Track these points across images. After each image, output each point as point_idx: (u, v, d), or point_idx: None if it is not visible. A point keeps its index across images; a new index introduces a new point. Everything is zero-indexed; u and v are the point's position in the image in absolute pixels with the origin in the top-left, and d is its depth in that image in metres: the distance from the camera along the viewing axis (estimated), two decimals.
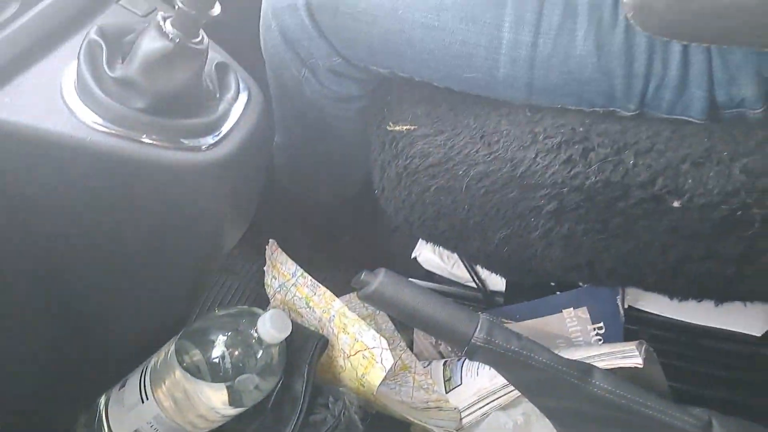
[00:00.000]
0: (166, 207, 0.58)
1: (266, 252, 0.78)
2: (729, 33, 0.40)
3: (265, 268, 0.78)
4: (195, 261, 0.66)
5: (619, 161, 0.57)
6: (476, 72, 0.60)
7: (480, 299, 0.86)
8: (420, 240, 0.90)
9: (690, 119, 0.59)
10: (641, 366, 0.63)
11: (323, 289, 0.71)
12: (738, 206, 0.54)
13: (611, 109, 0.60)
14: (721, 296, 0.64)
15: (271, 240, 0.78)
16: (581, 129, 0.59)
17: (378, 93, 0.71)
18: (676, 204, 0.56)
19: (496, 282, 0.85)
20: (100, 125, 0.51)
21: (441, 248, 0.84)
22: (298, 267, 0.74)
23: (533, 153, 0.60)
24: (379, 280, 0.66)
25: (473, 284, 0.86)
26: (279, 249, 0.76)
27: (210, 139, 0.55)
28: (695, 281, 0.61)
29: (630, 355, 0.65)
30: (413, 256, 0.89)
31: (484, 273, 0.86)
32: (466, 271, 0.86)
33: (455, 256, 0.87)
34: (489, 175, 0.62)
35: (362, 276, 0.67)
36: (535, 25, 0.56)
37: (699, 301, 0.65)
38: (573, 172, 0.58)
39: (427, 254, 0.88)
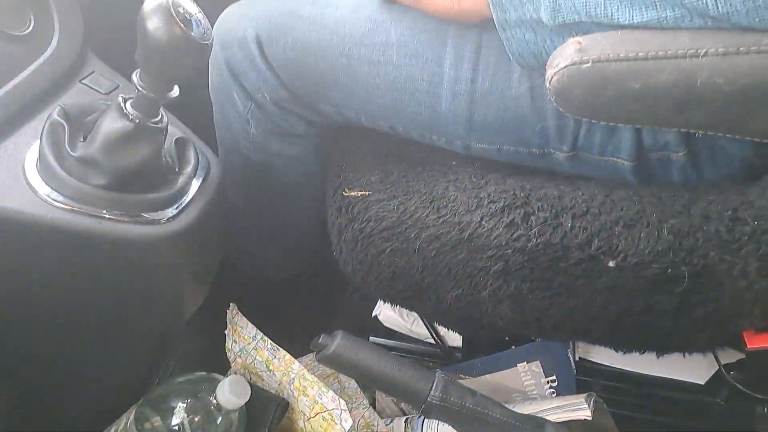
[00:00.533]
0: (126, 278, 0.60)
1: (227, 316, 0.79)
2: (638, 116, 0.44)
3: (225, 333, 0.79)
4: (155, 329, 0.67)
5: (558, 224, 0.61)
6: (420, 106, 0.63)
7: (439, 355, 0.88)
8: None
9: (620, 161, 0.63)
10: (590, 418, 0.65)
11: (283, 352, 0.73)
12: (668, 264, 0.58)
13: (548, 150, 0.64)
14: (660, 348, 0.67)
15: (231, 304, 0.79)
16: (522, 194, 0.63)
17: (333, 161, 0.74)
18: (611, 264, 0.60)
19: (455, 338, 0.88)
20: (61, 203, 0.52)
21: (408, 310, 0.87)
22: (258, 331, 0.76)
23: (479, 217, 0.63)
24: (337, 342, 0.68)
25: (433, 341, 0.88)
26: (239, 313, 0.78)
27: (170, 212, 0.58)
28: (636, 335, 0.65)
29: (579, 408, 0.67)
30: (374, 314, 0.91)
31: (442, 330, 0.89)
32: (425, 328, 0.88)
33: (415, 314, 0.89)
34: (439, 238, 0.65)
35: (320, 339, 0.69)
36: (474, 62, 0.60)
37: (642, 353, 0.69)
38: (516, 234, 0.62)
39: (387, 312, 0.90)
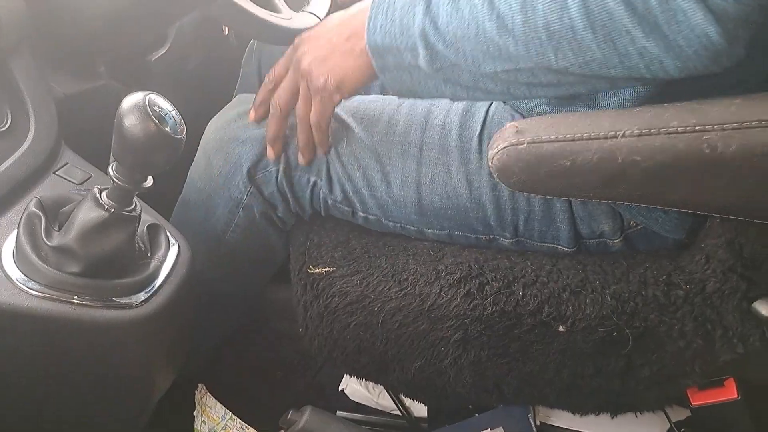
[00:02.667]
0: (98, 361, 0.61)
1: (195, 397, 0.80)
2: (570, 190, 0.50)
3: (194, 414, 0.80)
4: (125, 412, 0.68)
5: (511, 293, 0.65)
6: (375, 191, 0.71)
7: (406, 427, 0.89)
8: None
9: (560, 247, 0.69)
10: None
11: (252, 430, 0.74)
12: (613, 328, 0.63)
13: (493, 236, 0.70)
14: (614, 409, 0.71)
15: (200, 384, 0.80)
16: (476, 266, 0.68)
17: (298, 240, 0.78)
18: (561, 329, 0.64)
19: (421, 409, 0.90)
20: (36, 290, 0.55)
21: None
22: (227, 410, 0.77)
23: (438, 288, 0.67)
24: (305, 418, 0.70)
25: (399, 413, 0.90)
26: (208, 393, 0.79)
27: (141, 296, 0.60)
28: (589, 396, 0.68)
29: None
30: (341, 388, 0.93)
31: (408, 401, 0.90)
32: (391, 400, 0.90)
33: (381, 386, 0.91)
34: (401, 310, 0.68)
35: (289, 415, 0.71)
36: (417, 156, 0.68)
37: (597, 415, 0.72)
38: (472, 304, 0.66)
39: (354, 386, 0.92)
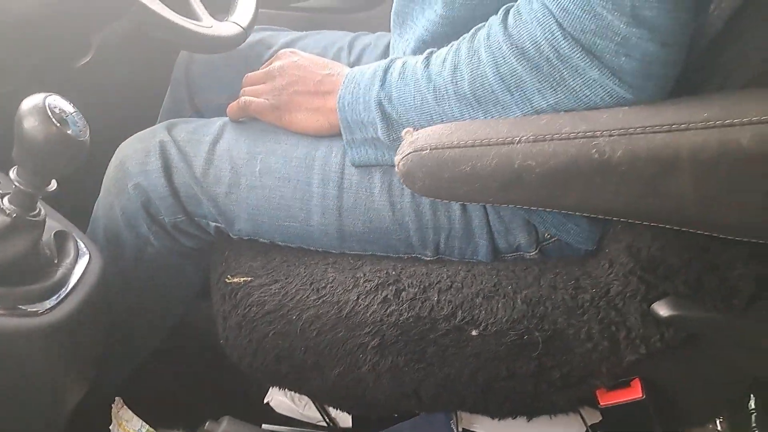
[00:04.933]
0: (3, 371, 0.59)
1: (112, 411, 0.78)
2: (472, 194, 0.51)
3: (110, 428, 0.78)
4: (33, 424, 0.65)
5: (426, 298, 0.66)
6: (294, 221, 0.70)
7: None
8: None
9: (480, 262, 0.71)
10: None
11: None
12: (523, 331, 0.64)
13: (415, 255, 0.71)
14: (529, 412, 0.72)
15: (117, 398, 0.78)
16: (394, 272, 0.69)
17: (217, 249, 0.78)
18: (474, 333, 0.65)
19: (348, 419, 0.89)
20: None
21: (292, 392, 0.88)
22: (144, 423, 0.75)
23: (355, 295, 0.68)
24: (222, 428, 0.69)
25: (325, 424, 0.89)
26: (125, 407, 0.77)
27: (48, 303, 0.59)
28: (504, 400, 0.69)
29: None
30: (266, 401, 0.92)
31: (334, 412, 0.90)
32: (317, 411, 0.89)
33: (306, 397, 0.90)
34: (320, 318, 0.69)
35: (206, 426, 0.70)
36: (339, 182, 0.68)
37: (514, 418, 0.73)
38: (389, 310, 0.66)
39: (279, 398, 0.91)
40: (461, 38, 0.59)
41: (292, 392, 0.91)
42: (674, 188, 0.47)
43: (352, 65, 0.89)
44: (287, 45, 0.91)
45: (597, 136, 0.47)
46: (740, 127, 0.45)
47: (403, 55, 0.72)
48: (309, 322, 0.69)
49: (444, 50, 0.60)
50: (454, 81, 0.57)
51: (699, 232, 0.51)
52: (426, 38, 0.68)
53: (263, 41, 0.93)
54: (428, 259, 0.71)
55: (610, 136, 0.47)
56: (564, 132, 0.48)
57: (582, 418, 0.79)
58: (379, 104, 0.63)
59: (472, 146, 0.50)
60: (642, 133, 0.47)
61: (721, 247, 0.54)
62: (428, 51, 0.62)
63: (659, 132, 0.46)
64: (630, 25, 0.46)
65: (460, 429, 0.84)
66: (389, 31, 0.79)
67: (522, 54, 0.52)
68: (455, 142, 0.51)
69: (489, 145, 0.50)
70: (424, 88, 0.59)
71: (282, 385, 0.78)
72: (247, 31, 0.82)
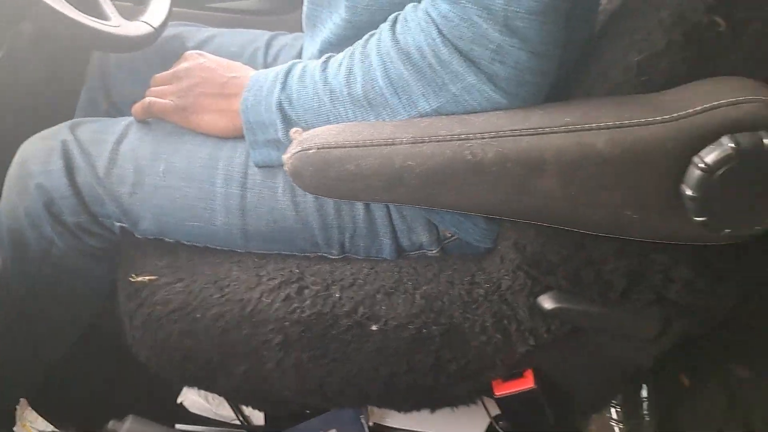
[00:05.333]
0: None
1: (16, 413, 0.77)
2: (359, 193, 0.53)
3: (14, 430, 0.77)
4: None
5: (328, 295, 0.68)
6: (198, 221, 0.70)
7: None
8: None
9: (384, 261, 0.73)
10: None
11: None
12: (421, 325, 0.67)
13: (321, 254, 0.72)
14: (431, 404, 0.75)
15: (22, 399, 0.77)
16: (297, 270, 0.70)
17: (123, 249, 0.77)
18: (374, 327, 0.67)
19: (261, 417, 0.90)
20: None
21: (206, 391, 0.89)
22: (49, 424, 0.74)
23: (258, 293, 0.69)
24: (126, 427, 0.69)
25: (239, 422, 0.90)
26: (29, 408, 0.76)
27: None
28: (407, 393, 0.72)
29: None
30: (179, 401, 0.92)
31: (248, 410, 0.91)
32: (231, 410, 0.90)
33: (220, 396, 0.91)
34: (223, 316, 0.69)
35: (109, 425, 0.70)
36: (242, 181, 0.69)
37: (419, 411, 0.76)
38: (292, 307, 0.68)
39: (192, 398, 0.91)
40: (356, 43, 0.61)
41: (206, 391, 0.92)
42: (542, 188, 0.50)
43: (268, 65, 0.90)
44: (205, 41, 0.91)
45: (470, 139, 0.50)
46: (597, 132, 0.48)
47: (311, 57, 0.74)
48: (213, 320, 0.70)
49: (341, 55, 0.62)
50: (348, 84, 0.59)
51: (571, 229, 0.55)
52: (332, 41, 0.70)
53: (180, 36, 0.92)
54: (334, 257, 0.73)
55: (482, 138, 0.50)
56: (440, 135, 0.51)
57: (486, 409, 0.82)
58: (280, 106, 0.64)
59: (356, 146, 0.52)
60: (511, 136, 0.50)
61: (594, 244, 0.58)
62: (327, 55, 0.64)
63: (526, 135, 0.49)
64: (503, 34, 0.49)
65: (371, 423, 0.86)
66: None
67: (408, 59, 0.54)
68: (340, 142, 0.52)
69: (372, 145, 0.52)
70: (321, 91, 0.61)
71: (191, 384, 0.79)
72: (158, 30, 0.82)
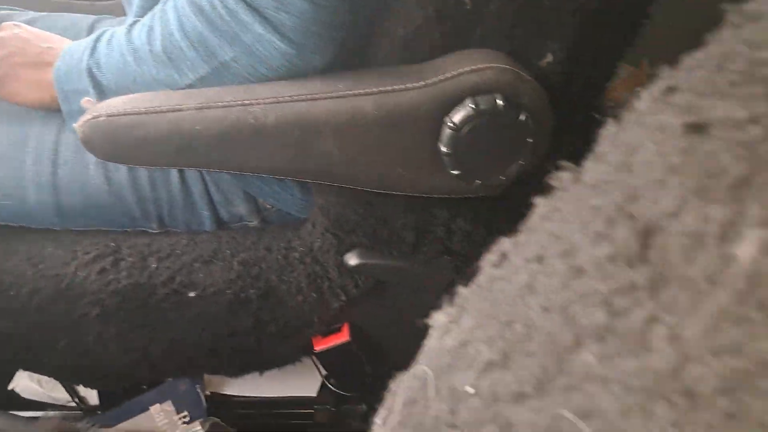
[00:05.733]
0: None
1: None
2: (153, 158, 0.56)
3: None
4: None
5: (145, 266, 0.70)
6: (10, 200, 0.69)
7: (82, 417, 0.89)
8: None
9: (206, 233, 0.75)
10: None
11: None
12: (239, 290, 0.70)
13: (141, 229, 0.74)
14: (258, 365, 0.79)
15: None
16: (114, 244, 0.71)
17: None
18: (192, 294, 0.70)
19: (96, 397, 0.90)
20: None
21: (39, 375, 0.87)
22: None
23: (73, 268, 0.70)
24: None
25: (74, 403, 0.90)
26: None
27: None
28: (231, 356, 0.75)
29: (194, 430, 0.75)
30: (10, 387, 0.90)
31: (84, 390, 0.91)
32: (65, 392, 0.89)
33: (53, 379, 0.90)
34: (38, 292, 0.69)
35: None
36: (53, 159, 0.69)
37: (248, 373, 0.80)
38: (107, 279, 0.69)
39: (24, 383, 0.89)
40: (160, 3, 0.62)
41: (39, 375, 0.90)
42: (321, 149, 0.55)
43: None
44: (27, 24, 0.89)
45: (253, 104, 0.54)
46: (365, 97, 0.53)
47: None
48: (28, 297, 0.69)
49: (146, 16, 0.63)
50: (149, 42, 0.60)
51: (357, 187, 0.60)
52: (141, 13, 0.71)
53: (1, 19, 0.89)
54: (155, 231, 0.75)
55: (264, 103, 0.54)
56: (226, 100, 0.54)
57: (318, 369, 0.87)
58: (90, 71, 0.64)
59: (145, 113, 0.54)
60: (290, 101, 0.54)
61: (383, 202, 0.63)
62: (135, 19, 0.65)
63: (302, 101, 0.54)
64: None
65: (207, 392, 0.88)
66: None
67: (200, 11, 0.56)
68: (129, 110, 0.55)
69: (161, 112, 0.54)
70: (126, 52, 0.61)
71: (17, 366, 0.78)
72: None
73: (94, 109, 0.56)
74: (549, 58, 0.53)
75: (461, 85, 0.52)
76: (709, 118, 0.18)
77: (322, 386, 0.88)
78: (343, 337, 0.75)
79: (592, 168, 0.22)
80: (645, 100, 0.21)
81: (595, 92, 0.57)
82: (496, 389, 0.19)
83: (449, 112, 0.53)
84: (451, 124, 0.52)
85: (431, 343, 0.27)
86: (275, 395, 0.91)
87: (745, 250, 0.16)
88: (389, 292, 0.73)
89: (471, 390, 0.20)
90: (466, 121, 0.52)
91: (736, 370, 0.14)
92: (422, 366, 0.25)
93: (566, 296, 0.19)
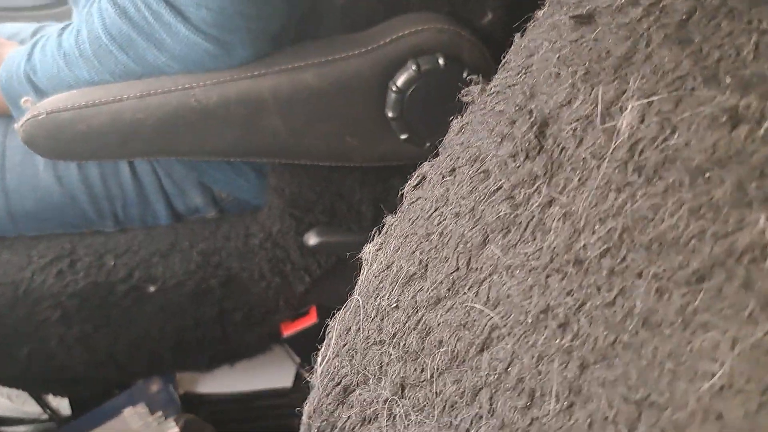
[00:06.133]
0: None
1: None
2: (97, 152, 0.55)
3: None
4: None
5: (102, 264, 0.69)
6: None
7: (55, 428, 0.88)
8: None
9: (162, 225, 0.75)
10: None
11: None
12: (200, 280, 0.70)
13: (96, 229, 0.73)
14: (227, 357, 0.78)
15: None
16: (69, 245, 0.70)
17: None
18: (152, 289, 0.69)
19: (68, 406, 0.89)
20: None
21: (8, 389, 0.86)
22: None
23: (30, 273, 0.68)
24: None
25: (47, 415, 0.88)
26: None
27: None
28: (199, 349, 0.75)
29: (170, 428, 0.75)
30: None
31: (55, 401, 0.89)
32: (37, 405, 0.88)
33: (25, 393, 0.88)
34: None
35: None
36: (0, 163, 0.68)
37: (218, 366, 0.79)
38: (65, 281, 0.68)
39: None
40: (87, 4, 0.61)
41: (8, 390, 0.89)
42: (267, 125, 0.55)
43: None
44: None
45: (194, 87, 0.54)
46: (305, 68, 0.53)
47: None
48: None
49: (75, 18, 0.63)
50: (77, 45, 0.58)
51: (313, 163, 0.60)
52: None
53: None
54: (111, 230, 0.74)
55: (204, 86, 0.54)
56: (166, 86, 0.54)
57: (291, 357, 0.87)
58: (27, 77, 0.63)
59: (86, 107, 0.54)
60: (231, 81, 0.54)
61: (339, 177, 0.64)
62: (67, 23, 0.64)
63: (245, 79, 0.54)
64: None
65: (180, 392, 0.88)
66: None
67: (124, 13, 0.54)
68: (69, 105, 0.54)
69: (101, 104, 0.54)
70: (58, 56, 0.60)
71: None
72: None
73: (34, 108, 0.55)
74: (489, 16, 0.54)
75: (402, 48, 0.52)
76: (595, 8, 0.18)
77: (297, 374, 0.88)
78: (311, 319, 0.75)
79: (497, 78, 0.22)
80: (544, 7, 0.22)
81: None
82: (416, 299, 0.20)
83: (393, 77, 0.53)
84: (395, 88, 0.53)
85: (362, 274, 0.27)
86: (250, 389, 0.90)
87: (625, 121, 0.16)
88: (352, 268, 0.73)
89: (394, 305, 0.20)
90: (409, 83, 0.52)
91: (616, 230, 0.15)
92: (354, 297, 0.26)
93: (474, 198, 0.19)
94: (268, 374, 0.90)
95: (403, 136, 0.55)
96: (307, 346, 0.79)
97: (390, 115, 0.54)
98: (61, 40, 0.61)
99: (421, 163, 0.28)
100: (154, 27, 0.54)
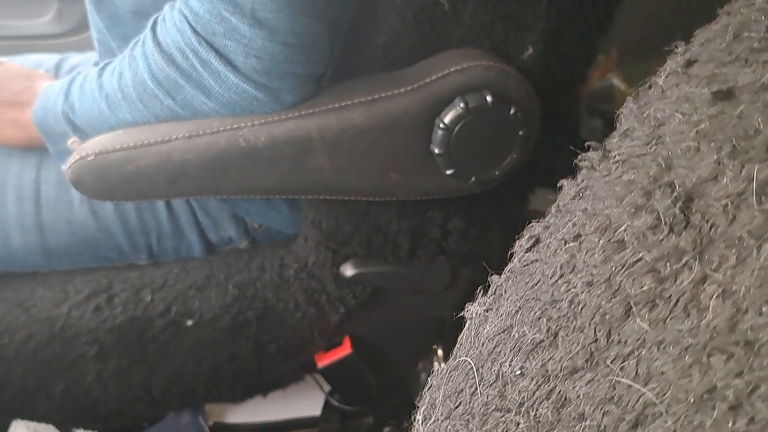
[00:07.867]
0: None
1: None
2: (144, 192, 0.55)
3: None
4: None
5: (139, 299, 0.69)
6: None
7: None
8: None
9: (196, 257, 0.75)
10: None
11: None
12: (236, 313, 0.70)
13: (130, 262, 0.73)
14: (260, 388, 0.78)
15: None
16: (105, 280, 0.70)
17: None
18: (190, 323, 0.69)
19: None
20: None
21: (35, 424, 0.85)
22: None
23: (66, 308, 0.68)
24: None
25: None
26: None
27: None
28: (234, 382, 0.74)
29: None
30: None
31: None
32: None
33: (50, 426, 0.88)
34: (32, 337, 0.68)
35: None
36: (35, 198, 0.68)
37: (251, 397, 0.79)
38: (103, 317, 0.68)
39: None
40: (129, 47, 0.62)
41: (35, 424, 0.88)
42: (314, 163, 0.55)
43: None
44: None
45: (242, 127, 0.54)
46: (353, 107, 0.54)
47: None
48: (22, 343, 0.68)
49: (116, 60, 0.63)
50: (120, 88, 0.59)
51: (354, 198, 0.60)
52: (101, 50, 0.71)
53: None
54: (144, 263, 0.74)
55: (253, 126, 0.54)
56: (214, 127, 0.54)
57: (320, 386, 0.87)
58: (66, 116, 0.63)
59: (134, 147, 0.54)
60: (278, 121, 0.54)
61: (377, 210, 0.64)
62: (106, 62, 0.65)
63: (292, 119, 0.54)
64: (252, 27, 0.51)
65: (210, 423, 0.87)
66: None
67: (171, 61, 0.55)
68: (118, 146, 0.54)
69: (149, 145, 0.54)
70: (98, 97, 0.61)
71: (13, 416, 0.75)
72: None
73: (81, 149, 0.55)
74: (529, 51, 0.54)
75: (449, 86, 0.53)
76: (735, 84, 0.19)
77: (326, 403, 0.88)
78: (345, 350, 0.75)
79: (619, 145, 0.23)
80: (664, 75, 0.22)
81: (577, 80, 0.59)
82: (547, 367, 0.20)
83: (439, 114, 0.54)
84: (443, 125, 0.53)
85: (468, 334, 0.27)
86: (278, 418, 0.90)
87: None
88: (387, 299, 0.73)
89: (518, 371, 0.21)
90: (457, 120, 0.53)
91: None
92: (462, 357, 0.26)
93: (609, 269, 0.20)
94: (297, 403, 0.90)
95: (449, 172, 0.56)
96: (336, 375, 0.79)
97: (436, 151, 0.55)
98: (102, 82, 0.61)
99: (530, 223, 0.28)
100: (203, 75, 0.54)
